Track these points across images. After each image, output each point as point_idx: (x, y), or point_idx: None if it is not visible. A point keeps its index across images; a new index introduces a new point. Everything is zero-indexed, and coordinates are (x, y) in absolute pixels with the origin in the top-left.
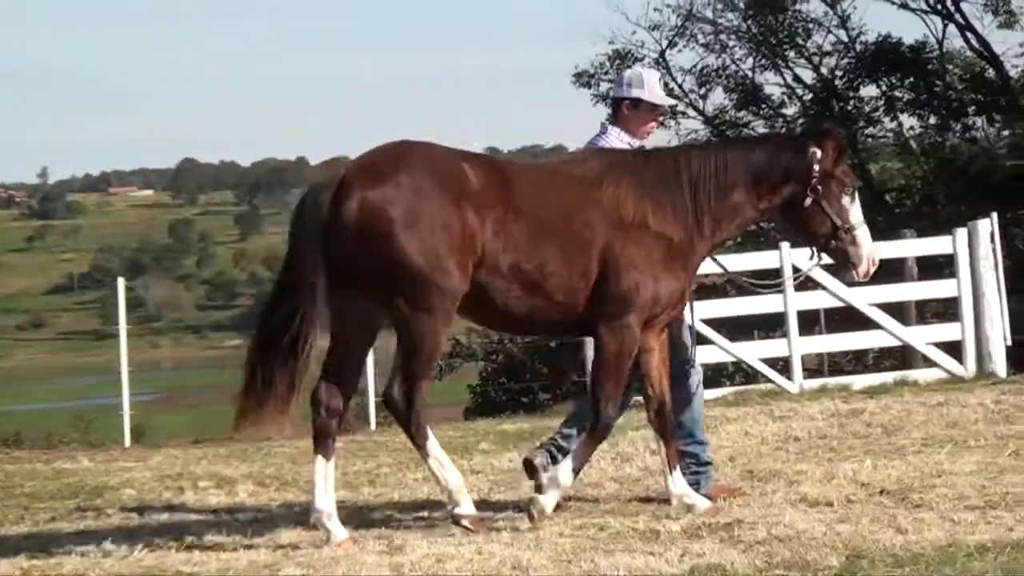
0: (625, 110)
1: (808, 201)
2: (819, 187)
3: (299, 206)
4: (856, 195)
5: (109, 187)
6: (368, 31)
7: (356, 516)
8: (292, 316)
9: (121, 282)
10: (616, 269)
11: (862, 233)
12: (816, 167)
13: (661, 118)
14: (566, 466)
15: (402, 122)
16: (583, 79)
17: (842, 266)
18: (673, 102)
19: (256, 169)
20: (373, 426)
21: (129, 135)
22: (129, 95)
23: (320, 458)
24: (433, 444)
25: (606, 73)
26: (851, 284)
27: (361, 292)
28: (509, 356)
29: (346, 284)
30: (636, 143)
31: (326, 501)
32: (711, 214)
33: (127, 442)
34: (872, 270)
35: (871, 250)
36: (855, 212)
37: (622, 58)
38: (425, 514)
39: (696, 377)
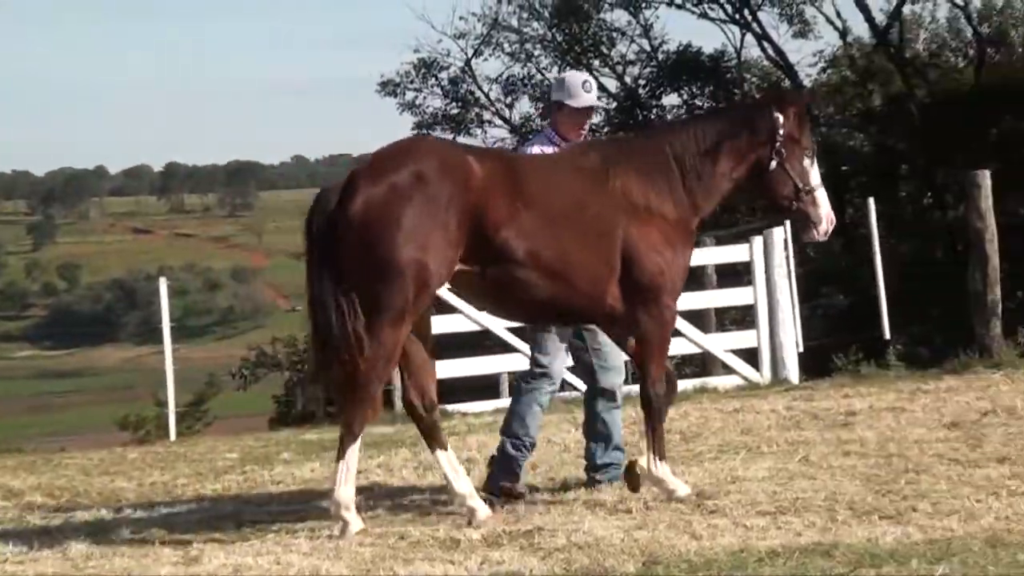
0: (554, 113)
1: (773, 164)
2: (783, 150)
3: (313, 205)
4: (815, 158)
5: None
6: (165, 36)
7: (151, 528)
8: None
9: None
10: (639, 256)
11: (820, 194)
12: (780, 131)
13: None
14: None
15: (205, 130)
16: (388, 88)
17: (803, 227)
18: (593, 103)
19: (51, 178)
20: (173, 436)
21: None
22: None
23: (440, 451)
24: (353, 453)
25: (412, 82)
26: (812, 243)
27: (354, 284)
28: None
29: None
30: (565, 144)
31: (463, 484)
32: (698, 189)
33: None
34: (831, 229)
35: (829, 210)
36: (814, 174)
37: (427, 67)
38: (223, 526)
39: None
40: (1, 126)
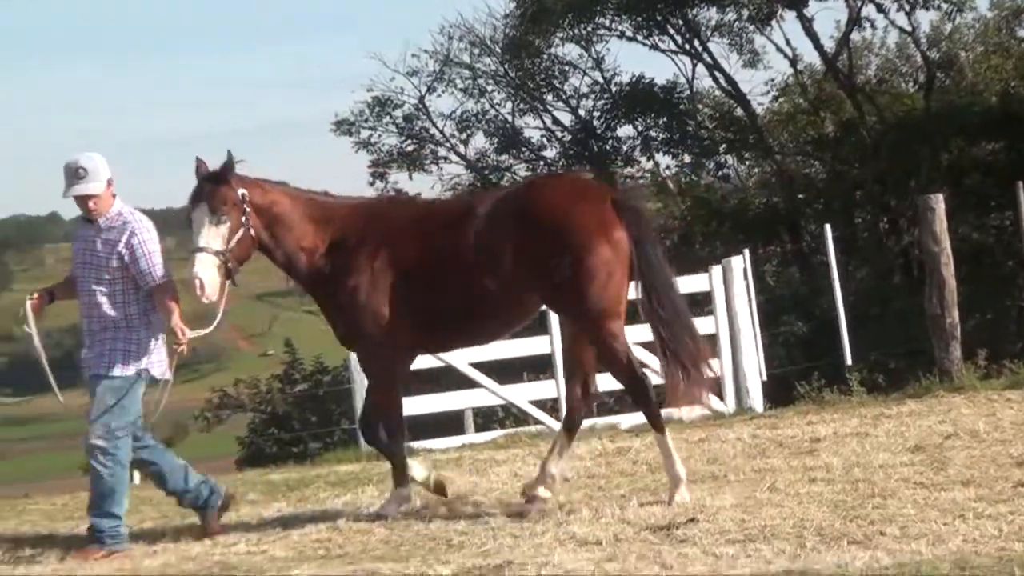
0: None
1: None
2: None
3: (630, 216)
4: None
5: None
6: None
7: None
8: (667, 305)
9: None
10: None
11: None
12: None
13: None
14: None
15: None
16: (343, 127)
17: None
18: (80, 193)
19: (3, 226)
20: (136, 480)
21: None
22: None
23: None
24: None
25: (366, 120)
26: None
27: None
28: (277, 407)
29: None
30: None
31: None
32: None
33: None
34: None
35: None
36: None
37: (382, 105)
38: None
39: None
40: None
